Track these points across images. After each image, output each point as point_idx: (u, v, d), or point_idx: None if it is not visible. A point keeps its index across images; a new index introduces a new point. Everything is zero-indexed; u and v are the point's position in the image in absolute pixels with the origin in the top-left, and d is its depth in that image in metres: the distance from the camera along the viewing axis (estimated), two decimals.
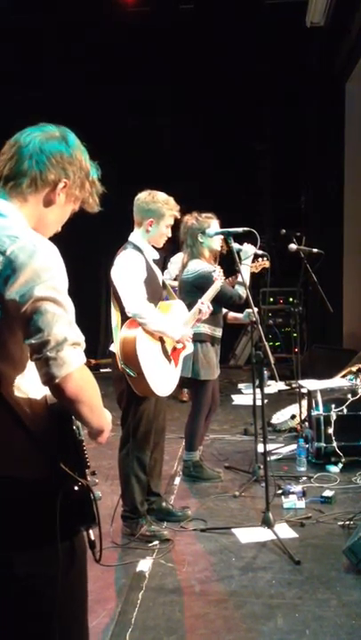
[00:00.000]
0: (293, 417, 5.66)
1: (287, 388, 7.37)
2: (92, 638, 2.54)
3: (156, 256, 3.63)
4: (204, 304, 3.86)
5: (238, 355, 9.38)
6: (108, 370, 5.02)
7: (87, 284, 8.05)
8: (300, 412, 5.44)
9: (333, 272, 7.92)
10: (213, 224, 4.26)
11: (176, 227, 3.85)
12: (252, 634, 2.65)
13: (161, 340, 3.53)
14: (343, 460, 4.59)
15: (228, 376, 8.14)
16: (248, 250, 4.27)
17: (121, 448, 3.58)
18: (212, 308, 3.94)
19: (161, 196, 3.55)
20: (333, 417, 4.69)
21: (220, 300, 4.17)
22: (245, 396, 7.10)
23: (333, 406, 4.73)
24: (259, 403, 4.03)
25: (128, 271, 3.39)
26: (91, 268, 8.28)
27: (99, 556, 1.62)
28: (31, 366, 1.49)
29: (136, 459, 3.50)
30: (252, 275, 4.39)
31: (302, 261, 5.19)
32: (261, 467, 4.11)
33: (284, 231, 5.42)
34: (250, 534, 3.57)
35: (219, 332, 4.41)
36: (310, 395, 4.94)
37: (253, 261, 4.38)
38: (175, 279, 6.02)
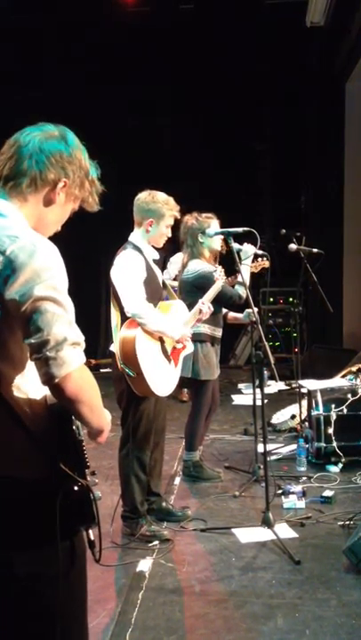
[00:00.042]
0: (293, 417, 5.66)
1: (287, 387, 7.37)
2: (92, 638, 2.54)
3: (156, 256, 3.63)
4: (205, 304, 3.86)
5: (238, 355, 9.38)
6: (108, 370, 5.02)
7: (87, 284, 8.05)
8: (300, 412, 5.44)
9: (333, 272, 7.92)
10: (213, 224, 4.26)
11: (176, 227, 3.85)
12: (252, 634, 2.65)
13: (161, 339, 3.53)
14: (343, 459, 4.59)
15: (228, 376, 8.14)
16: (248, 250, 4.27)
17: (121, 448, 3.58)
18: (212, 308, 3.94)
19: (161, 196, 3.55)
20: (333, 417, 4.69)
21: (221, 300, 4.17)
22: (245, 396, 7.10)
23: (333, 406, 4.73)
24: (259, 403, 4.02)
25: (127, 271, 3.39)
26: (91, 267, 8.28)
27: (98, 556, 1.62)
28: (31, 366, 1.49)
29: (136, 459, 3.50)
30: (252, 275, 4.39)
31: (302, 261, 5.19)
32: (261, 467, 4.11)
33: (284, 231, 5.42)
34: (250, 534, 3.57)
35: (219, 332, 4.41)
36: (310, 395, 4.94)
37: (253, 261, 4.38)
38: (175, 279, 6.02)
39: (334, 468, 4.56)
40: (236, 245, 3.90)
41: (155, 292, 3.54)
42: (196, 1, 7.56)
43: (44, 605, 1.53)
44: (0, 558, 1.50)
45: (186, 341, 3.66)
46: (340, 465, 4.58)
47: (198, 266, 4.25)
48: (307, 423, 5.16)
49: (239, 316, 4.51)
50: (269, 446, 4.56)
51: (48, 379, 1.43)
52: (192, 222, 4.29)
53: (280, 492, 4.00)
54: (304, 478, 4.42)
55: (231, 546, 3.47)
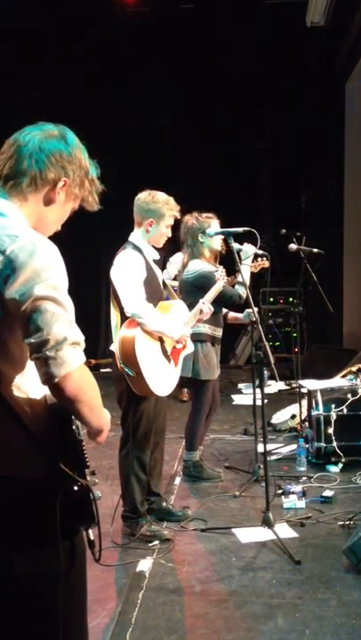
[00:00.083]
0: (293, 417, 5.66)
1: (287, 387, 7.37)
2: (92, 638, 2.54)
3: (157, 256, 3.63)
4: (206, 304, 3.86)
5: (238, 354, 9.38)
6: (108, 370, 5.03)
7: (87, 284, 8.05)
8: (301, 412, 5.44)
9: (333, 272, 7.92)
10: (214, 224, 4.26)
11: (176, 227, 3.85)
12: (253, 633, 2.65)
13: (160, 339, 3.53)
14: (343, 459, 4.59)
15: (228, 376, 8.14)
16: (248, 250, 4.28)
17: (121, 448, 3.58)
18: (213, 308, 3.94)
19: (161, 196, 3.54)
20: (333, 417, 4.69)
21: (221, 300, 4.17)
22: (245, 396, 7.10)
23: (333, 406, 4.73)
24: (259, 402, 4.02)
25: (127, 271, 3.39)
26: (90, 267, 8.28)
27: (98, 556, 1.62)
28: (31, 366, 1.49)
29: (136, 458, 3.50)
30: (252, 275, 4.39)
31: (302, 261, 5.19)
32: (261, 466, 4.11)
33: (284, 231, 5.42)
34: (250, 534, 3.56)
35: (219, 332, 4.41)
36: (310, 394, 4.94)
37: (253, 261, 4.38)
38: (174, 279, 6.02)
39: (334, 468, 4.56)
40: (236, 245, 3.90)
41: (155, 292, 3.54)
42: (196, 1, 7.56)
43: (44, 605, 1.53)
44: (0, 558, 1.50)
45: (186, 341, 3.66)
46: (341, 465, 4.58)
47: (198, 266, 4.25)
48: (307, 423, 5.16)
49: (239, 315, 4.51)
50: (269, 446, 4.56)
51: (48, 378, 1.43)
52: (192, 222, 4.29)
53: (280, 491, 3.99)
54: (304, 478, 4.42)
55: (231, 546, 3.47)
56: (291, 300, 8.77)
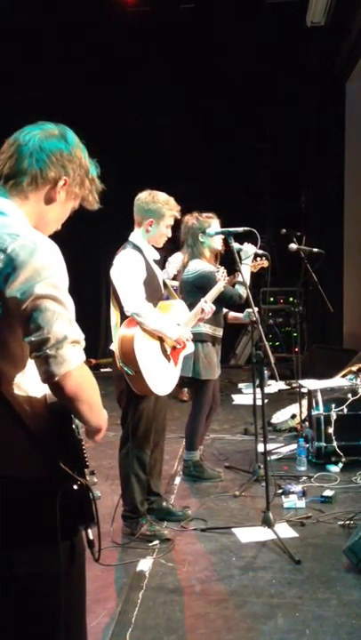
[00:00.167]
0: (294, 416, 5.66)
1: (287, 387, 7.38)
2: (93, 638, 2.55)
3: (157, 256, 3.63)
4: (208, 303, 3.86)
5: (239, 354, 9.38)
6: (108, 370, 5.02)
7: (87, 284, 8.04)
8: (301, 412, 5.44)
9: (333, 272, 7.92)
10: (214, 224, 4.26)
11: (176, 226, 3.85)
12: (253, 633, 2.65)
13: (160, 339, 3.52)
14: (343, 459, 4.59)
15: (228, 376, 8.14)
16: (248, 249, 4.28)
17: (121, 447, 3.58)
18: (214, 307, 3.94)
19: (161, 196, 3.55)
20: (334, 416, 4.69)
21: (222, 300, 4.17)
22: (246, 396, 7.10)
23: (334, 406, 4.73)
24: (259, 402, 4.02)
25: (127, 270, 3.40)
26: (91, 267, 8.28)
27: (98, 556, 1.62)
28: (31, 364, 1.49)
29: (136, 458, 3.50)
30: (251, 274, 4.39)
31: (302, 261, 5.19)
32: (262, 466, 4.11)
33: (284, 231, 5.42)
34: (250, 534, 3.56)
35: (220, 332, 4.41)
36: (310, 394, 4.94)
37: (253, 261, 4.38)
38: (174, 279, 6.02)
39: (334, 468, 4.56)
40: (236, 245, 3.89)
41: (155, 292, 3.54)
42: (197, 1, 7.56)
43: (44, 605, 1.53)
44: (0, 558, 1.50)
45: (186, 341, 3.65)
46: (341, 465, 4.58)
47: (199, 266, 4.25)
48: (307, 423, 5.16)
49: (240, 315, 4.51)
50: (270, 446, 4.56)
51: (48, 377, 1.44)
52: (193, 222, 4.29)
53: (280, 491, 3.99)
54: (304, 478, 4.42)
55: (231, 545, 3.47)
56: (291, 299, 8.76)
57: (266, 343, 3.56)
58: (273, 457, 4.84)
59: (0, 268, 1.43)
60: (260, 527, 3.56)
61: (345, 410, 4.71)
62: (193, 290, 4.19)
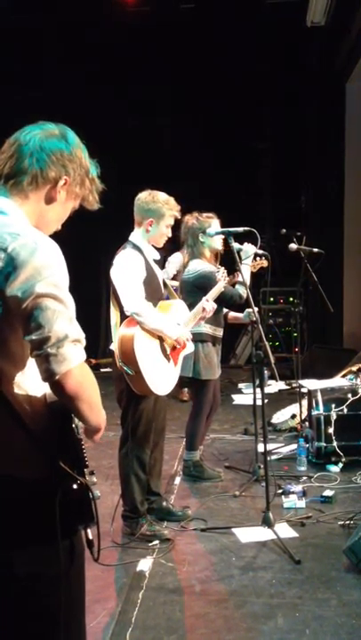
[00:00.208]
0: (294, 416, 5.66)
1: (287, 387, 7.38)
2: (92, 638, 2.55)
3: (157, 256, 3.63)
4: (209, 302, 3.86)
5: (239, 354, 9.38)
6: (108, 369, 5.02)
7: (87, 284, 8.04)
8: (301, 412, 5.44)
9: (333, 272, 7.92)
10: (214, 224, 4.26)
11: (176, 227, 3.85)
12: (253, 633, 2.65)
13: (160, 338, 3.52)
14: (343, 459, 4.59)
15: (228, 376, 8.14)
16: (249, 249, 4.28)
17: (121, 447, 3.58)
18: (215, 306, 3.94)
19: (161, 196, 3.55)
20: (334, 416, 4.69)
21: (222, 300, 4.17)
22: (246, 396, 7.10)
23: (334, 406, 4.73)
24: (259, 402, 4.02)
25: (127, 270, 3.40)
26: (91, 267, 8.28)
27: (97, 556, 1.62)
28: (31, 363, 1.49)
29: (136, 458, 3.50)
30: (251, 274, 4.39)
31: (303, 261, 5.19)
32: (262, 466, 4.11)
33: (284, 231, 5.42)
34: (250, 534, 3.56)
35: (220, 332, 4.41)
36: (311, 394, 4.94)
37: (253, 261, 4.38)
38: (173, 279, 6.02)
39: (335, 468, 4.56)
40: (236, 245, 3.89)
41: (155, 292, 3.54)
42: (197, 1, 7.56)
43: (44, 605, 1.53)
44: (0, 558, 1.50)
45: (186, 341, 3.65)
46: (341, 465, 4.58)
47: (199, 266, 4.25)
48: (307, 423, 5.16)
49: (240, 315, 4.51)
50: (270, 446, 4.55)
51: (49, 375, 1.44)
52: (193, 222, 4.29)
53: (280, 491, 3.99)
54: (304, 478, 4.42)
55: (231, 545, 3.47)
56: (291, 299, 8.76)
57: (266, 343, 3.56)
58: (273, 457, 4.84)
59: (1, 267, 1.44)
60: (260, 527, 3.56)
61: (345, 410, 4.71)
62: (193, 290, 4.19)
